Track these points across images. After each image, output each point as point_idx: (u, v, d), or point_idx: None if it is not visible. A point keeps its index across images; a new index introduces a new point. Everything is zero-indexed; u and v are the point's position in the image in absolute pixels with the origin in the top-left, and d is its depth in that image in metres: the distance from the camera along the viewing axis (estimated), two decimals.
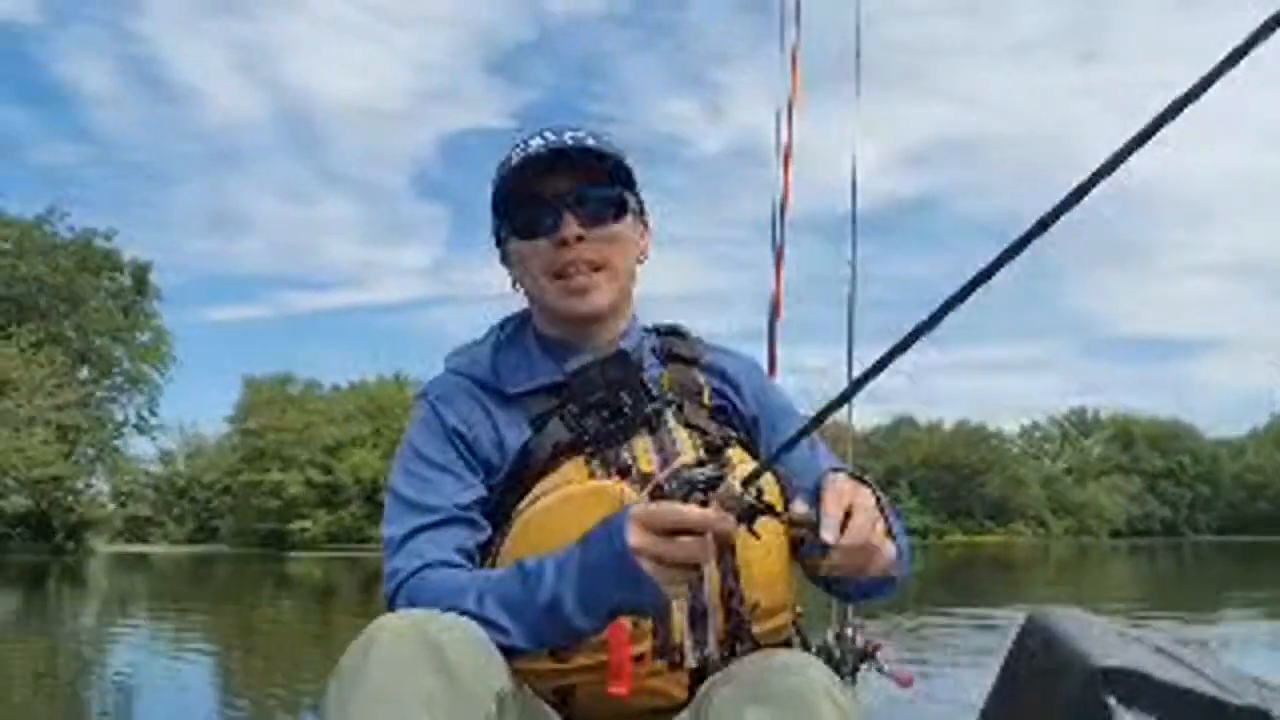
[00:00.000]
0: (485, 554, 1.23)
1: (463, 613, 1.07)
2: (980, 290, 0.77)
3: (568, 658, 1.13)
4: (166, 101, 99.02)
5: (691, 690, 1.17)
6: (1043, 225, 0.74)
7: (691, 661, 1.17)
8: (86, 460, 43.15)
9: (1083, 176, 0.70)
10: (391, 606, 1.14)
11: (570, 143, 1.27)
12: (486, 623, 1.07)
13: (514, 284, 1.39)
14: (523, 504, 1.21)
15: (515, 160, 1.28)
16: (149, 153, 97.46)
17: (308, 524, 54.06)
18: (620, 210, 1.31)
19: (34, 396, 37.79)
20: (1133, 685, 1.24)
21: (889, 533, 1.10)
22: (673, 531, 0.99)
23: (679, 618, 1.17)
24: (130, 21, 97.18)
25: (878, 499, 1.12)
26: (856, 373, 0.87)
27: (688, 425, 1.27)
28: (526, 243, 1.30)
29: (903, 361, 0.81)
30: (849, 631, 1.51)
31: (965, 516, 78.58)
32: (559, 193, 1.28)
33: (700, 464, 1.20)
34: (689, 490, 1.00)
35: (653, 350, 1.39)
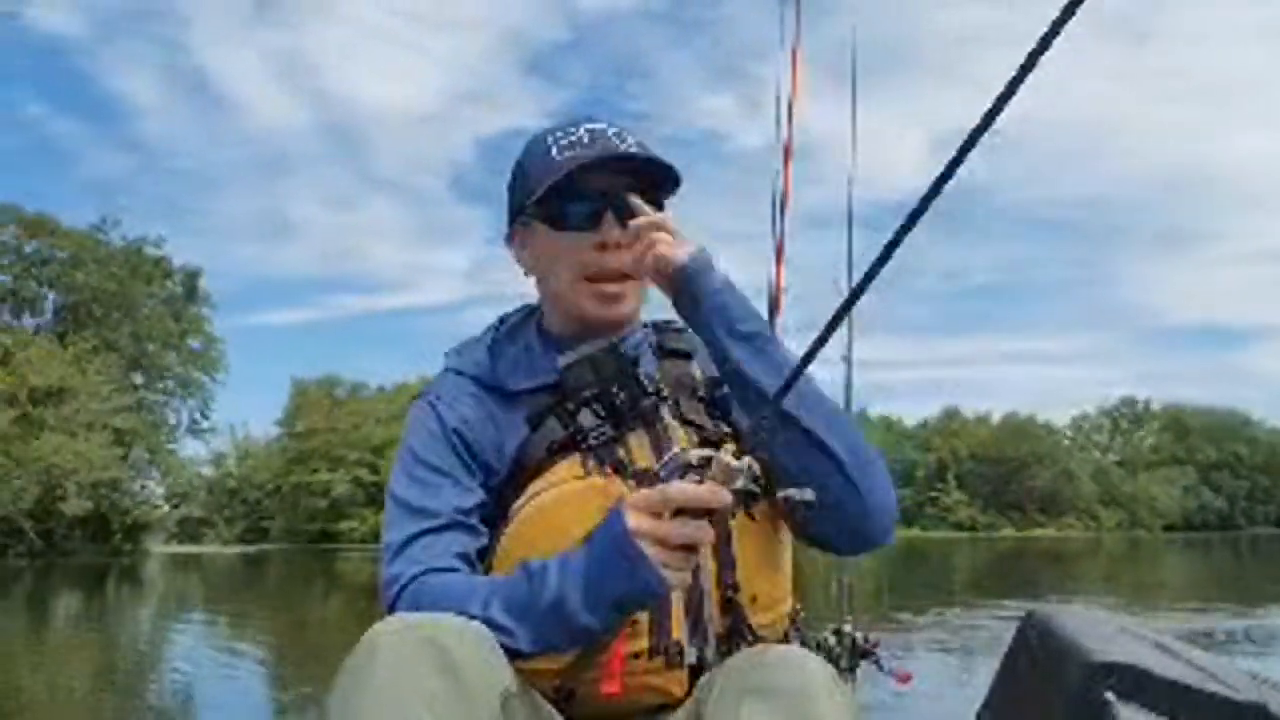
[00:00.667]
0: (484, 556, 1.22)
1: (466, 616, 1.05)
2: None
3: (569, 660, 1.10)
4: (212, 111, 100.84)
5: (690, 687, 1.16)
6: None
7: (690, 659, 1.17)
8: (142, 463, 44.02)
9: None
10: (391, 612, 1.11)
11: (621, 145, 1.26)
12: (491, 626, 1.06)
13: (526, 271, 1.37)
14: (518, 503, 1.20)
15: (563, 151, 1.26)
16: (196, 161, 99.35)
17: (355, 523, 54.68)
18: None
19: (91, 402, 38.74)
20: (1132, 680, 1.23)
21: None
22: (671, 513, 1.01)
23: (678, 614, 1.16)
24: (177, 33, 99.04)
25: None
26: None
27: (683, 420, 1.26)
28: (559, 234, 1.28)
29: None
30: (847, 629, 1.50)
31: (1015, 510, 77.35)
32: (603, 191, 1.26)
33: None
34: (683, 471, 1.02)
35: (649, 345, 1.37)
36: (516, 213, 1.34)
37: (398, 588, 1.16)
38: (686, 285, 1.21)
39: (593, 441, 1.21)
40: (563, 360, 1.24)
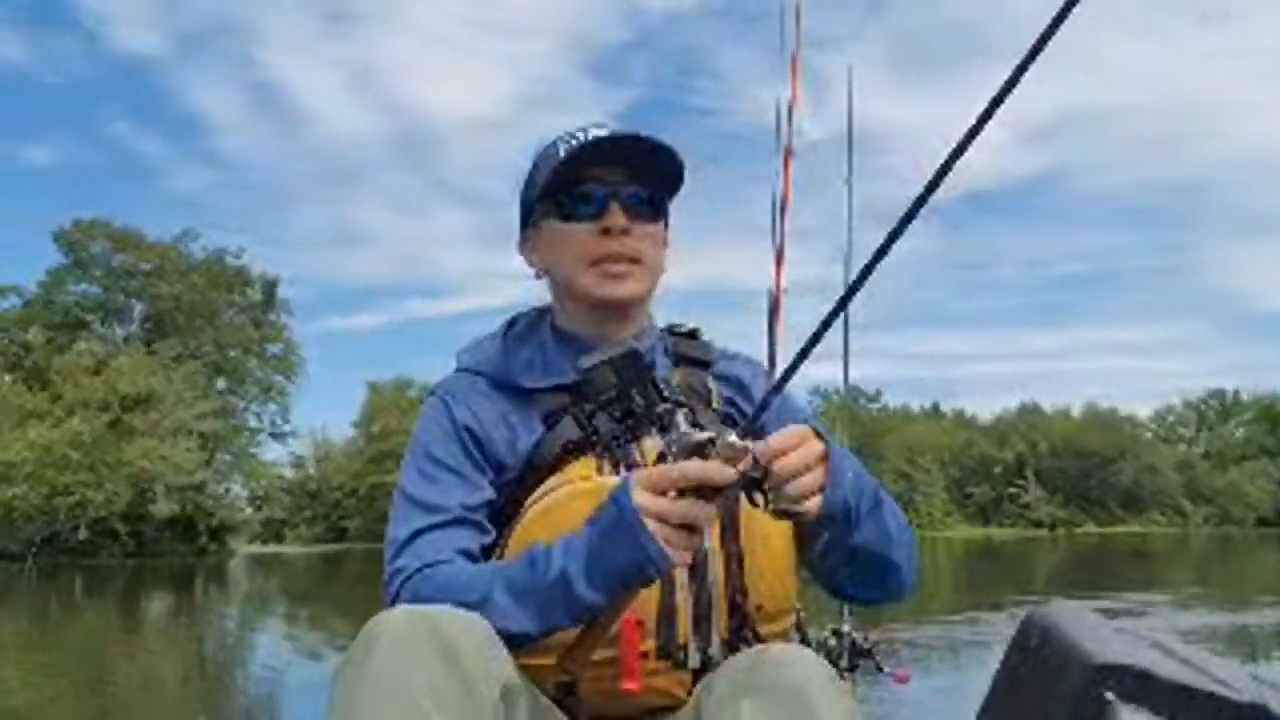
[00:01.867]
0: (492, 551, 1.23)
1: (468, 605, 1.06)
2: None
3: (571, 643, 1.10)
4: (287, 123, 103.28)
5: (693, 690, 1.17)
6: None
7: (695, 662, 1.17)
8: (225, 467, 45.33)
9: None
10: (393, 606, 1.11)
11: (625, 133, 1.28)
12: (492, 611, 1.07)
13: (537, 274, 1.38)
14: (531, 499, 1.21)
15: (568, 148, 1.28)
16: (273, 174, 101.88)
17: None
18: (660, 211, 1.33)
19: (177, 408, 40.10)
20: (1133, 681, 1.22)
21: (824, 487, 1.10)
22: (677, 492, 1.03)
23: (685, 617, 1.17)
24: (252, 49, 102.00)
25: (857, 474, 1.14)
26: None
27: (697, 428, 1.26)
28: (566, 224, 1.30)
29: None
30: (846, 629, 1.52)
31: (1097, 507, 75.18)
32: (608, 180, 1.28)
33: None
34: (690, 452, 1.04)
35: (665, 351, 1.38)
36: (527, 215, 1.37)
37: (400, 580, 1.18)
38: (831, 520, 1.13)
39: (608, 443, 1.22)
40: (584, 361, 1.22)
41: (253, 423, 49.18)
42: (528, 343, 1.36)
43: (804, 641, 1.30)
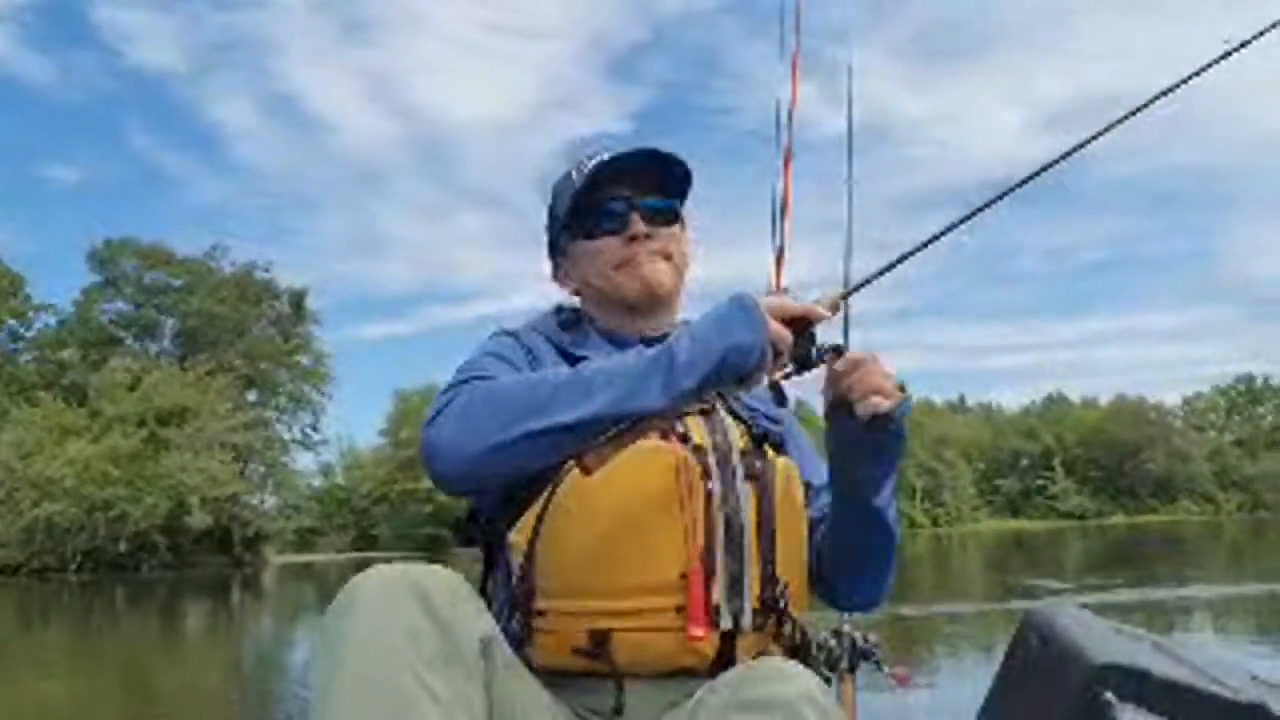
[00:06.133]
0: (540, 489, 1.20)
1: (532, 398, 1.11)
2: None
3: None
4: (307, 133, 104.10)
5: (719, 655, 1.19)
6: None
7: (727, 622, 1.19)
8: (258, 478, 45.80)
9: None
10: (432, 424, 1.15)
11: (633, 150, 1.35)
12: (556, 396, 1.11)
13: (571, 292, 1.44)
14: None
15: (584, 173, 1.35)
16: (295, 183, 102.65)
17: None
18: (676, 214, 1.40)
19: (211, 421, 40.60)
20: (1132, 682, 1.26)
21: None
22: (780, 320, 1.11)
23: (720, 579, 1.20)
24: (269, 61, 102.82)
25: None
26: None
27: (734, 415, 1.33)
28: (593, 242, 1.37)
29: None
30: (847, 629, 1.53)
31: (1128, 496, 74.34)
32: (624, 195, 1.35)
33: (751, 443, 1.30)
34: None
35: None
36: (554, 243, 1.44)
37: (448, 396, 1.18)
38: (886, 428, 1.19)
39: None
40: (647, 326, 1.35)
41: (284, 433, 49.73)
42: (575, 326, 1.42)
43: (805, 641, 1.32)
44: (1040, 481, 74.87)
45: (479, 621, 1.03)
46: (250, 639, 13.38)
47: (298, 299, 49.80)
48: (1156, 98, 1.30)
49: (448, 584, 1.02)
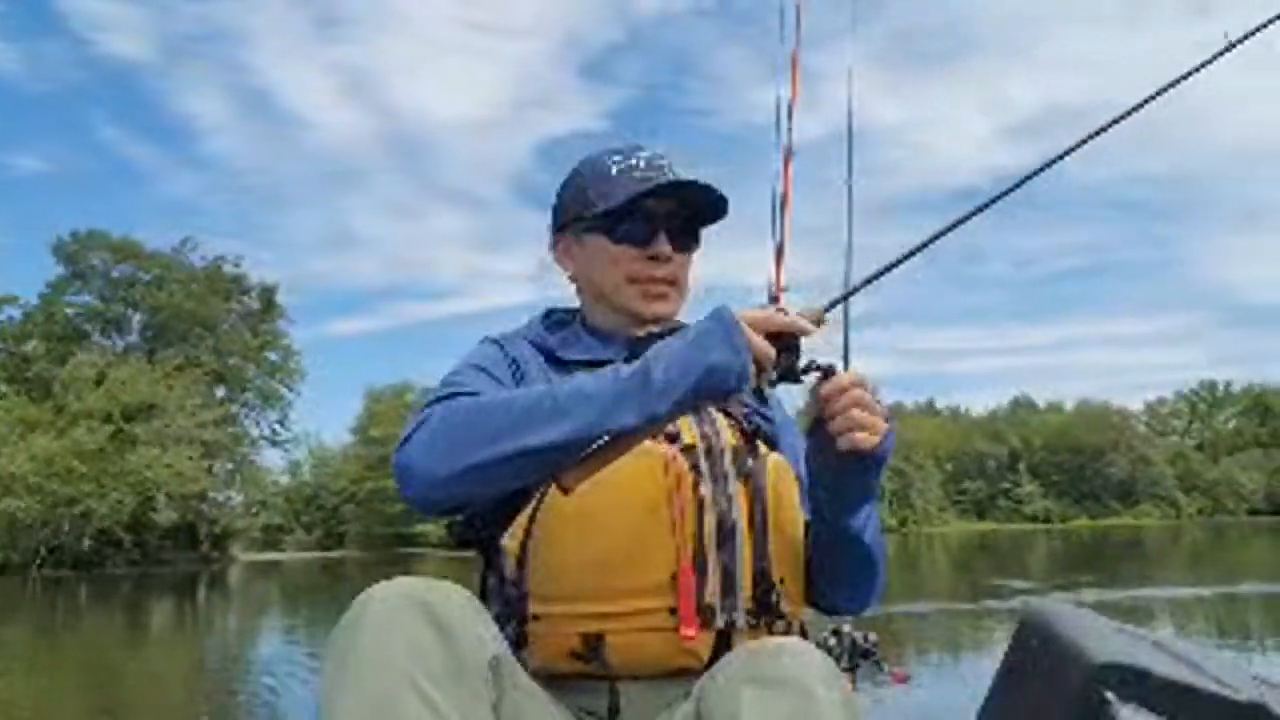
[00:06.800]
0: (530, 495, 1.20)
1: (508, 417, 1.08)
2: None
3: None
4: (279, 128, 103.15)
5: (714, 655, 1.18)
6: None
7: (721, 622, 1.19)
8: (225, 474, 45.28)
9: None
10: (408, 442, 1.13)
11: (672, 175, 1.34)
12: (535, 417, 1.07)
13: (571, 275, 1.43)
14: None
15: (623, 174, 1.34)
16: (266, 177, 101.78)
17: (430, 526, 55.37)
18: (697, 241, 1.41)
19: (178, 417, 40.09)
20: (1132, 681, 1.25)
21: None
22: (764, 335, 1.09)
23: (714, 579, 1.19)
24: (243, 54, 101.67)
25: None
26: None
27: (725, 413, 1.33)
28: (612, 244, 1.36)
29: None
30: (846, 629, 1.55)
31: (1091, 499, 75.36)
32: (658, 213, 1.35)
33: (743, 440, 1.29)
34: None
35: None
36: (569, 223, 1.41)
37: (422, 415, 1.16)
38: (864, 462, 1.16)
39: None
40: (640, 331, 1.33)
41: (253, 430, 49.25)
42: (564, 327, 1.42)
43: (805, 639, 1.30)
44: (1006, 484, 75.70)
45: (488, 639, 1.02)
46: (215, 636, 13.27)
47: (268, 294, 49.37)
48: (1137, 108, 1.32)
49: (457, 601, 1.01)
